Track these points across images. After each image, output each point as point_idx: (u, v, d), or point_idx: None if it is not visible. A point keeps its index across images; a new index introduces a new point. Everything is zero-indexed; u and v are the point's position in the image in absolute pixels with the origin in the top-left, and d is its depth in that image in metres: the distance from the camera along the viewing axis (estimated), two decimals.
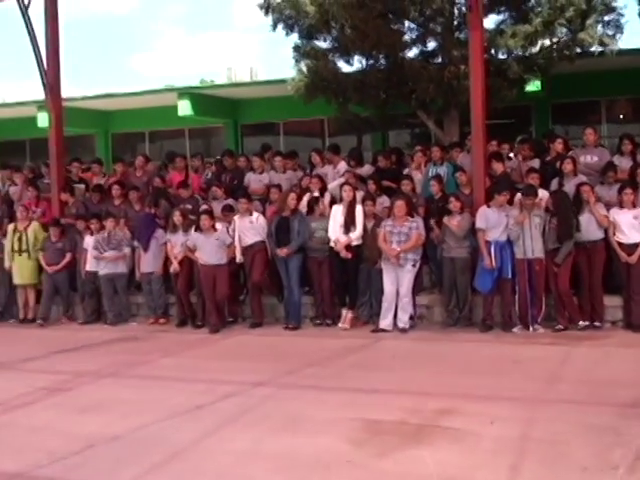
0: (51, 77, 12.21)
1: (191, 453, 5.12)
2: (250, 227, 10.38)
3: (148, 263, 10.95)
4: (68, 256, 11.48)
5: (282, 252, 10.00)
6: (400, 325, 9.51)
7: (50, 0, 12.15)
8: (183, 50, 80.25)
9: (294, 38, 15.48)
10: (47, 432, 5.76)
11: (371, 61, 15.20)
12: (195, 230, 10.38)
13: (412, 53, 15.24)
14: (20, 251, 11.51)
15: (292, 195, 10.25)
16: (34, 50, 12.10)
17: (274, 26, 15.13)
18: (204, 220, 10.25)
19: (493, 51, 13.99)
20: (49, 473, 4.81)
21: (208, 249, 10.20)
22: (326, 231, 9.99)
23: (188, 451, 5.16)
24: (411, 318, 9.67)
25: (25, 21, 11.98)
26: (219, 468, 4.79)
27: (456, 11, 14.32)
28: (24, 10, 11.94)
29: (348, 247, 9.83)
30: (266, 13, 15.09)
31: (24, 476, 4.76)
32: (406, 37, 15.00)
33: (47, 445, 5.37)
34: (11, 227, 11.68)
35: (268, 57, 72.60)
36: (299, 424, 5.76)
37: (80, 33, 65.26)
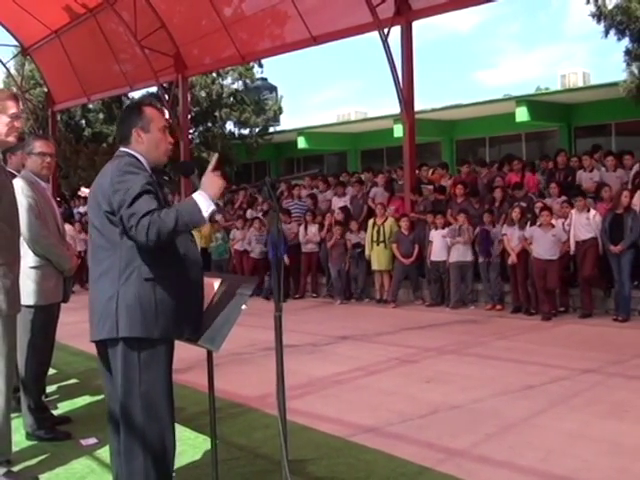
0: (406, 94, 12.66)
1: (522, 428, 4.99)
2: (586, 223, 9.86)
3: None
4: (417, 248, 11.83)
5: (615, 249, 9.36)
6: None
7: (406, 29, 12.65)
8: (518, 62, 78.86)
9: (625, 43, 14.95)
10: (397, 396, 5.97)
11: None
12: (530, 225, 10.12)
13: None
14: (378, 242, 12.13)
15: (625, 193, 9.57)
16: (392, 72, 12.65)
17: (606, 32, 14.70)
18: (544, 216, 9.95)
19: None
20: (398, 430, 4.98)
21: (543, 243, 9.88)
22: None
23: (520, 426, 5.04)
24: None
25: (385, 48, 12.59)
26: (549, 445, 4.61)
27: None
28: (384, 39, 12.56)
29: None
30: (598, 21, 14.75)
31: (378, 431, 4.98)
32: None
33: (397, 407, 5.58)
34: (371, 221, 12.37)
35: (596, 64, 68.96)
36: (625, 412, 5.33)
37: (429, 52, 67.16)
